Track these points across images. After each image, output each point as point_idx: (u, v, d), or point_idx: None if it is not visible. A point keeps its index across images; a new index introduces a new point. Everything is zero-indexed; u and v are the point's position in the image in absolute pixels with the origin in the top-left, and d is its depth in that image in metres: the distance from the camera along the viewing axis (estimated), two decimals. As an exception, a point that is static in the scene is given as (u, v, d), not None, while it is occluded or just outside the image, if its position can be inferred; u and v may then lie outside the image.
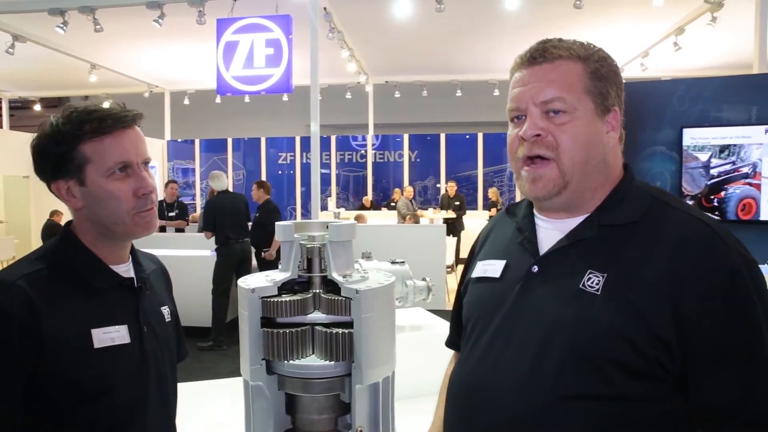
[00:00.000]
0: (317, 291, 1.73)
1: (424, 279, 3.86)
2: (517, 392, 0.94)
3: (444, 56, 9.96)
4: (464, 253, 10.65)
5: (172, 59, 9.78)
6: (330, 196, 12.65)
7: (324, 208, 11.33)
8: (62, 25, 6.83)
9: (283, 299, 1.65)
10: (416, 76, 11.52)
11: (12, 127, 12.58)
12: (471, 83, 11.58)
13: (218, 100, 11.60)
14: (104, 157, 1.05)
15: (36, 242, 9.56)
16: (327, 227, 1.77)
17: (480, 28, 8.28)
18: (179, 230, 7.05)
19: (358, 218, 7.85)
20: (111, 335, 1.04)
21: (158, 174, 12.51)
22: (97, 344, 1.02)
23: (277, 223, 1.83)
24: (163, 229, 6.96)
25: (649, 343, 0.84)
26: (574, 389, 0.89)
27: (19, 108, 14.26)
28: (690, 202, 4.71)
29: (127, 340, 1.06)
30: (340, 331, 1.60)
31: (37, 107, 13.04)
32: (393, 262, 3.21)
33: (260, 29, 6.46)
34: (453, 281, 8.40)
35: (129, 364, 1.07)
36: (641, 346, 0.84)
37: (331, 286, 1.72)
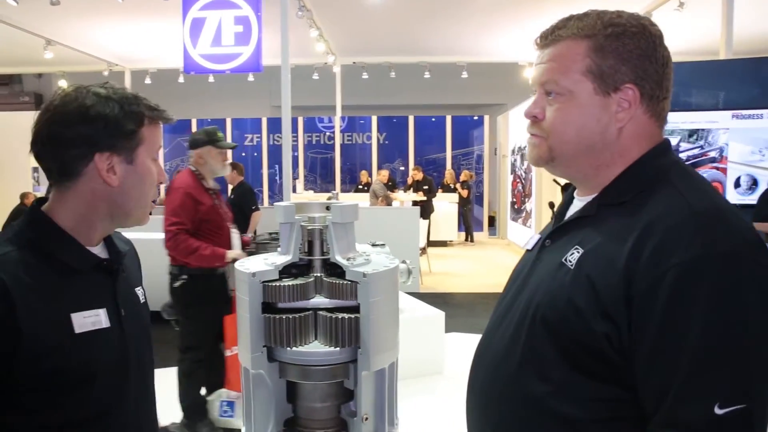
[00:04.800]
0: (318, 274, 1.68)
1: (404, 262, 3.83)
2: (497, 359, 1.01)
3: (413, 37, 9.87)
4: (434, 236, 10.75)
5: (133, 36, 9.39)
6: (298, 178, 12.50)
7: (293, 190, 11.19)
8: (15, -1, 6.49)
9: (285, 284, 1.59)
10: (384, 57, 11.40)
11: (-40, 106, 11.95)
12: (439, 65, 11.53)
13: (181, 79, 11.26)
14: (153, 141, 1.11)
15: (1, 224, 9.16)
16: (328, 208, 1.70)
17: (450, 10, 8.21)
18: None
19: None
20: (91, 319, 1.00)
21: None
22: (77, 329, 0.98)
23: (276, 203, 1.76)
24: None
25: (600, 320, 0.86)
26: (537, 359, 0.93)
27: (-33, 85, 13.54)
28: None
29: (106, 324, 1.03)
30: (346, 316, 1.55)
31: (-12, 85, 12.40)
32: (374, 245, 3.17)
33: (228, 5, 6.24)
34: (425, 264, 8.43)
35: (110, 348, 1.03)
36: (591, 321, 0.86)
37: (333, 270, 1.66)
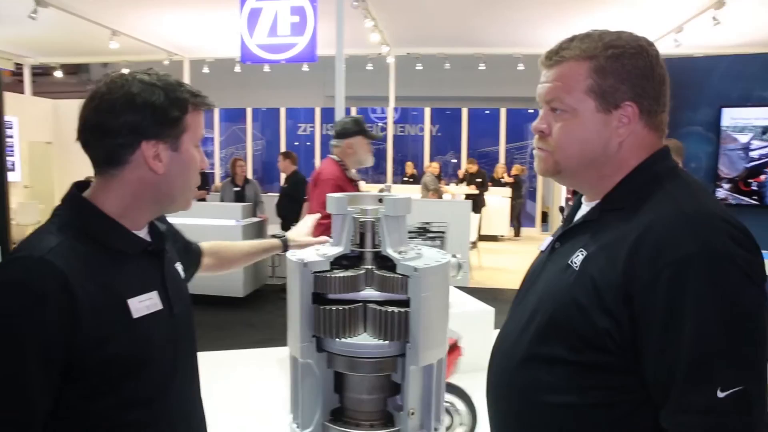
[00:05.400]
0: (369, 267, 1.67)
1: (454, 256, 3.78)
2: (507, 353, 1.11)
3: (468, 28, 9.72)
4: (485, 230, 10.61)
5: (192, 26, 9.63)
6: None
7: (343, 180, 11.26)
8: (85, -11, 6.76)
9: (337, 275, 1.59)
10: (439, 49, 11.28)
11: (34, 93, 12.57)
12: (495, 57, 11.32)
13: (238, 69, 11.48)
14: (197, 129, 1.11)
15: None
16: (381, 201, 1.69)
17: (507, 1, 8.04)
18: (201, 200, 7.00)
19: (382, 192, 7.77)
20: (146, 303, 1.02)
21: (177, 143, 12.48)
22: (134, 314, 1.00)
23: (328, 194, 1.76)
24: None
25: (601, 316, 0.93)
26: (543, 352, 1.02)
27: (40, 74, 14.22)
28: (726, 186, 4.57)
29: (159, 306, 1.05)
30: (396, 309, 1.54)
31: (58, 74, 12.97)
32: (422, 230, 3.12)
33: (285, -4, 6.31)
34: (475, 258, 8.34)
35: (163, 330, 1.06)
36: (594, 318, 0.94)
37: (384, 263, 1.65)
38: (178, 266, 1.21)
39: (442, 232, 3.19)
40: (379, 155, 13.20)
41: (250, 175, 10.24)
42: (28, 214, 9.38)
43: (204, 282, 3.00)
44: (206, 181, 7.29)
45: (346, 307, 1.59)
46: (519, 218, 11.87)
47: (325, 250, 1.69)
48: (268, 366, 4.00)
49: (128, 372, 0.98)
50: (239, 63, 10.15)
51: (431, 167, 10.71)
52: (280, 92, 14.26)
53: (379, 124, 13.25)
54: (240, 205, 6.04)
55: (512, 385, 1.07)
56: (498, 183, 11.71)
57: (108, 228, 1.03)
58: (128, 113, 0.99)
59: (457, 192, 9.96)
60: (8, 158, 8.58)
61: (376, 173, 13.15)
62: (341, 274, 1.61)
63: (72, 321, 0.90)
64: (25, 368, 0.87)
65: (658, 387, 0.91)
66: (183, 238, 1.38)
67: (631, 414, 0.96)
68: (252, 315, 5.54)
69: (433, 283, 1.55)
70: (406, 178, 12.06)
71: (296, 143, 13.14)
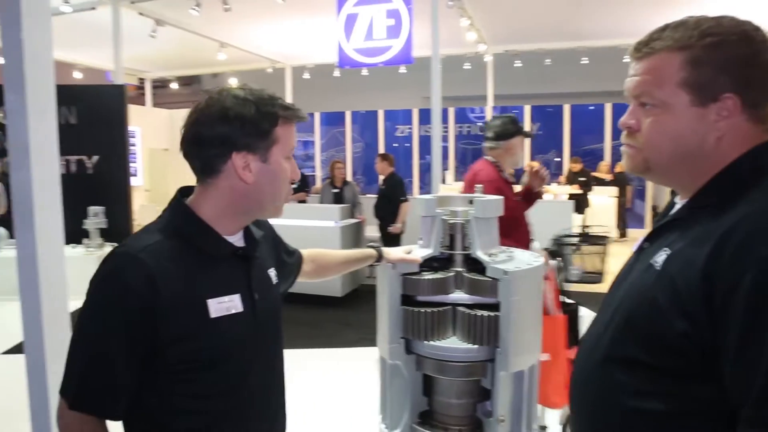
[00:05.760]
0: (459, 270, 1.65)
1: (555, 258, 3.63)
2: (586, 353, 1.06)
3: (569, 21, 9.32)
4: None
5: (293, 35, 10.02)
6: (447, 169, 12.51)
7: (443, 181, 11.23)
8: (196, 7, 7.23)
9: (426, 277, 1.58)
10: (539, 44, 10.92)
11: (154, 105, 13.68)
12: (599, 50, 10.77)
13: (337, 73, 11.78)
14: (288, 140, 1.13)
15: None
16: (471, 202, 1.67)
17: (612, -11, 7.65)
18: (301, 201, 7.25)
19: (476, 192, 7.65)
20: (226, 305, 1.07)
21: (281, 147, 13.03)
22: (213, 314, 1.05)
23: (417, 196, 1.76)
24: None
25: (679, 318, 0.87)
26: (620, 354, 0.96)
27: (159, 87, 15.46)
28: None
29: (240, 308, 1.09)
30: (486, 313, 1.51)
31: (174, 86, 14.05)
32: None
33: (380, 0, 6.39)
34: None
35: (242, 332, 1.10)
36: (672, 319, 0.88)
37: (474, 265, 1.62)
38: (272, 272, 1.25)
39: (605, 237, 3.07)
40: (479, 155, 13.03)
41: (349, 177, 10.48)
42: (148, 216, 10.20)
43: (303, 282, 3.05)
44: (306, 183, 7.54)
45: (435, 309, 1.58)
46: (625, 218, 11.23)
47: (415, 251, 1.69)
48: (362, 365, 4.06)
49: (205, 366, 1.05)
50: (338, 68, 10.43)
51: (530, 166, 10.38)
52: (378, 95, 14.47)
53: (478, 124, 13.07)
54: (338, 206, 6.20)
55: (589, 385, 1.03)
56: (601, 182, 11.15)
57: (201, 231, 1.09)
58: (221, 126, 1.06)
59: (558, 192, 9.59)
60: (132, 165, 9.40)
61: (474, 173, 13.01)
62: (430, 277, 1.60)
63: (154, 314, 0.99)
64: (110, 348, 0.99)
65: (735, 397, 0.84)
66: (285, 245, 1.43)
67: (708, 427, 0.89)
68: (349, 314, 5.66)
69: (524, 286, 1.50)
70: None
71: (395, 145, 13.27)
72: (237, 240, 1.15)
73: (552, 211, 6.81)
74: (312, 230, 6.01)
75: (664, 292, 0.91)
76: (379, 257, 1.60)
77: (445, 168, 12.33)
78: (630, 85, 1.03)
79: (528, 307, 1.52)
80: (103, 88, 8.18)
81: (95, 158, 7.17)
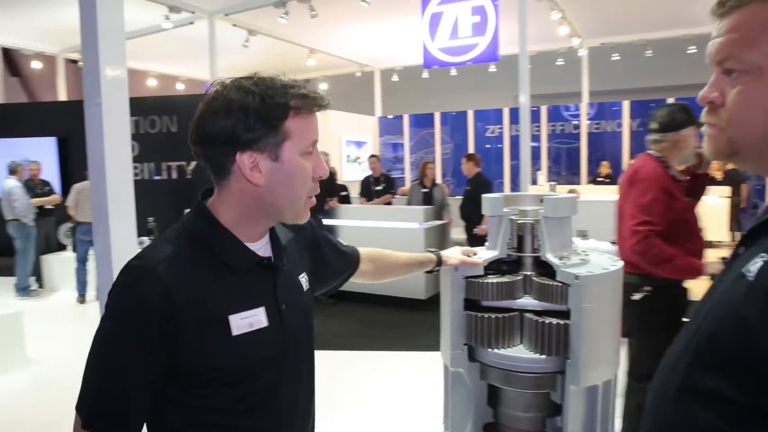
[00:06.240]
0: (528, 273, 1.54)
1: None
2: (663, 379, 0.89)
3: (673, 7, 8.70)
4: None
5: (380, 38, 10.11)
6: (540, 170, 12.09)
7: (534, 182, 10.87)
8: (284, 15, 7.47)
9: (490, 281, 1.49)
10: (638, 35, 10.28)
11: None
12: (708, 37, 9.98)
13: (425, 74, 11.74)
14: (302, 135, 0.99)
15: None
16: (542, 201, 1.55)
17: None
18: (387, 203, 7.25)
19: (569, 193, 7.31)
20: (249, 320, 0.99)
21: (370, 150, 13.19)
22: (235, 331, 0.97)
23: (483, 195, 1.66)
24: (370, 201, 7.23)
25: None
26: (700, 383, 0.78)
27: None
28: None
29: (264, 323, 1.01)
30: (554, 321, 1.39)
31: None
32: (614, 243, 2.85)
33: (466, -3, 6.27)
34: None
35: (268, 346, 1.02)
36: (764, 340, 0.69)
37: (545, 269, 1.51)
38: (302, 278, 1.15)
39: (719, 242, 2.72)
40: (573, 154, 12.48)
41: (438, 179, 10.37)
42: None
43: (387, 284, 2.98)
44: (392, 184, 7.52)
45: (501, 315, 1.48)
46: (739, 220, 10.30)
47: (481, 253, 1.60)
48: (439, 370, 3.98)
49: (229, 383, 0.99)
50: (425, 69, 10.38)
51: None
52: (468, 95, 14.24)
53: (573, 122, 12.53)
54: (423, 208, 6.14)
55: (662, 418, 0.86)
56: (712, 181, 10.29)
57: (219, 240, 1.00)
58: (223, 121, 0.95)
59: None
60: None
61: (569, 174, 12.45)
62: (496, 280, 1.50)
63: (172, 329, 0.92)
64: (125, 366, 0.93)
65: None
66: (333, 244, 1.33)
67: None
68: (433, 317, 5.57)
69: (598, 293, 1.37)
70: (600, 179, 11.21)
71: (487, 146, 12.99)
72: (261, 246, 1.05)
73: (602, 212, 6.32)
74: (396, 232, 5.99)
75: (757, 308, 0.74)
76: (439, 262, 1.50)
77: (537, 168, 11.92)
78: (712, 50, 0.84)
79: (603, 316, 1.39)
80: (200, 98, 8.63)
81: (193, 164, 7.57)
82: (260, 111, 0.94)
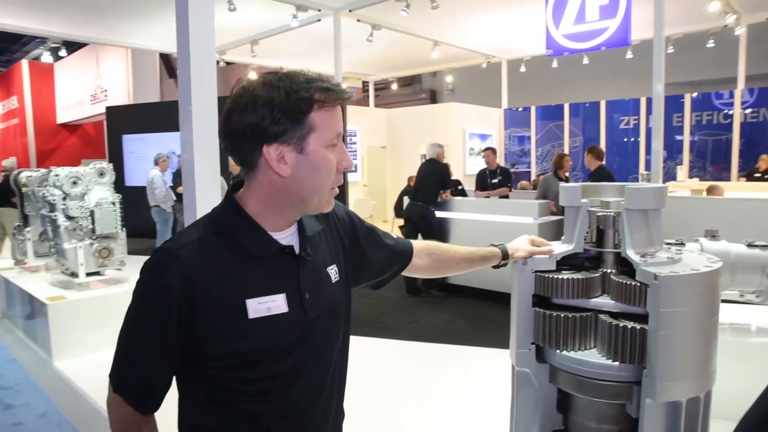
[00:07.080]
0: (608, 270, 1.39)
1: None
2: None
3: None
4: None
5: (506, 28, 9.81)
6: (681, 164, 11.04)
7: (673, 177, 9.96)
8: (405, 9, 7.50)
9: (563, 276, 1.37)
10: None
11: (376, 105, 14.62)
12: None
13: (555, 64, 11.21)
14: (329, 126, 1.03)
15: (390, 205, 11.00)
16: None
17: None
18: (503, 197, 7.03)
19: (711, 190, 6.60)
20: (267, 305, 1.01)
21: (495, 143, 12.89)
22: (251, 315, 1.00)
23: (561, 184, 1.53)
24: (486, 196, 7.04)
25: None
26: None
27: (381, 89, 16.50)
28: None
29: (284, 309, 1.03)
30: (630, 325, 1.24)
31: (394, 86, 14.86)
32: (750, 245, 2.52)
33: (595, -21, 5.87)
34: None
35: (287, 332, 1.04)
36: None
37: (628, 267, 1.36)
38: (331, 269, 1.16)
39: None
40: (721, 146, 11.24)
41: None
42: (364, 209, 10.96)
43: (501, 280, 2.79)
44: (508, 177, 7.26)
45: (572, 314, 1.35)
46: None
47: (554, 247, 1.48)
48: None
49: (247, 365, 1.01)
50: (555, 58, 9.90)
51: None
52: (601, 85, 13.39)
53: (724, 111, 11.28)
54: (538, 202, 5.87)
55: None
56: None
57: (243, 228, 1.04)
58: (250, 115, 0.98)
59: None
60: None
61: (717, 169, 11.23)
62: (569, 276, 1.38)
63: (191, 311, 0.97)
64: (146, 343, 1.00)
65: None
66: (377, 236, 1.32)
67: None
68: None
69: (682, 296, 1.20)
70: (758, 174, 9.95)
71: (625, 139, 12.12)
72: (287, 236, 1.08)
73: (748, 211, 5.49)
74: (508, 226, 5.80)
75: None
76: (505, 256, 1.41)
77: (677, 162, 10.91)
78: None
79: (688, 322, 1.22)
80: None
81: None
82: (285, 105, 0.98)
